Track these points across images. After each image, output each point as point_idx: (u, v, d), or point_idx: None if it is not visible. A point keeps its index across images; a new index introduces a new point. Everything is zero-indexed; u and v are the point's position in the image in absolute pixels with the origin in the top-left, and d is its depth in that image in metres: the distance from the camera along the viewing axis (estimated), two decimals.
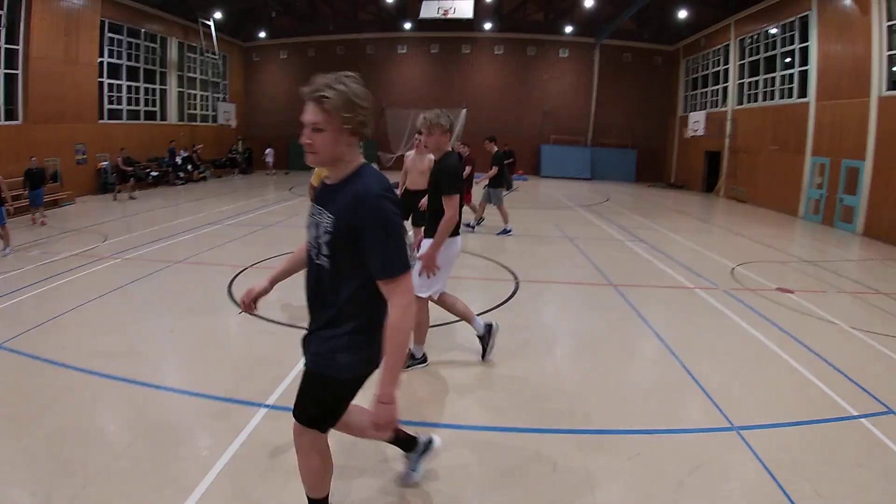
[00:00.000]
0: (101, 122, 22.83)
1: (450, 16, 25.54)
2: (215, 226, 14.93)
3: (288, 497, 3.48)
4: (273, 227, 15.17)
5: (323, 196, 2.67)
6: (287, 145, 32.00)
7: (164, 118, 26.97)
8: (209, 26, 27.11)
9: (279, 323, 6.99)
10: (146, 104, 25.87)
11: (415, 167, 8.65)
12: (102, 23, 22.49)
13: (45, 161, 19.50)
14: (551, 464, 4.02)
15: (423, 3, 25.71)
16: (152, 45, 25.75)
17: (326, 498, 2.99)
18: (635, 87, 31.54)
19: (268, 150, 31.08)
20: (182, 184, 25.16)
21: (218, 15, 26.77)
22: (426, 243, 5.19)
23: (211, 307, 7.86)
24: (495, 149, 13.94)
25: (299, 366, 4.39)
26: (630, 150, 32.02)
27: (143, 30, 24.92)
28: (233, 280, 9.12)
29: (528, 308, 8.20)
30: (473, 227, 14.26)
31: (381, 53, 32.28)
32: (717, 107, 26.29)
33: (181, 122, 27.98)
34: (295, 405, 2.78)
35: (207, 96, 30.33)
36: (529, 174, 30.97)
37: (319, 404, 2.72)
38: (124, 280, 9.13)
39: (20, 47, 19.29)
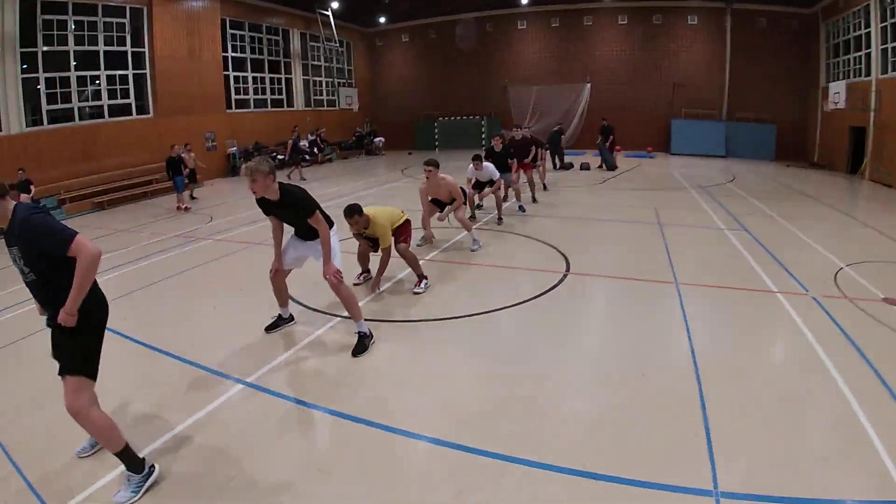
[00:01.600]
0: (228, 111, 25.03)
1: None
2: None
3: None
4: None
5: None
6: (412, 126, 33.11)
7: (290, 105, 28.94)
8: (327, 16, 28.48)
9: (310, 308, 7.58)
10: (272, 93, 27.96)
11: (431, 189, 9.99)
12: (224, 21, 24.71)
13: (173, 149, 21.80)
14: None
15: None
16: (275, 37, 27.72)
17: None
18: (772, 56, 28.20)
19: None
20: (307, 166, 26.72)
21: (335, 5, 28.01)
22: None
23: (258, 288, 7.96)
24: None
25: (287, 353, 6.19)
26: (769, 126, 28.31)
27: (264, 24, 26.88)
28: None
29: (556, 307, 7.52)
30: (524, 209, 14.11)
31: (500, 30, 32.04)
32: (859, 76, 22.66)
33: (307, 108, 29.82)
34: None
35: (332, 82, 31.97)
36: (659, 151, 29.54)
37: None
38: (202, 260, 10.59)
39: (146, 49, 21.75)
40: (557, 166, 22.36)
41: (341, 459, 4.22)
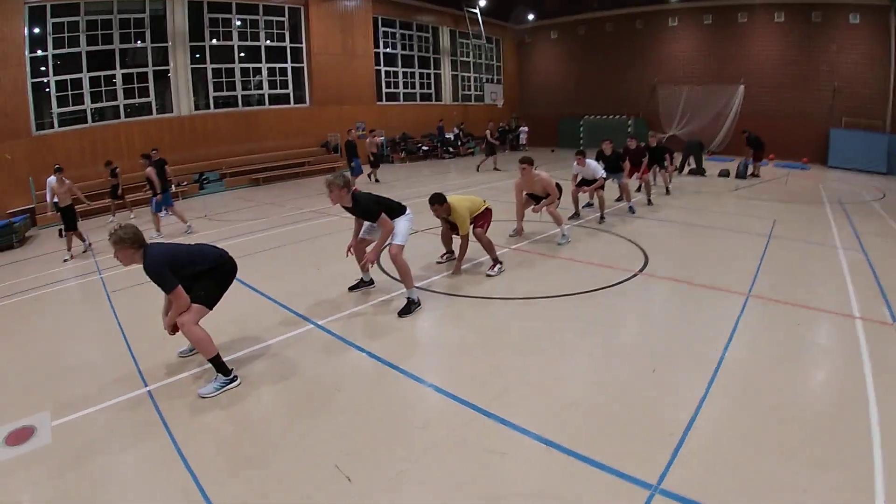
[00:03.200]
0: (378, 103, 26.74)
1: None
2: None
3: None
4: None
5: None
6: (557, 123, 33.39)
7: (438, 99, 30.38)
8: (475, 13, 29.35)
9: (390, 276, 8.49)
10: (421, 87, 29.47)
11: (526, 185, 10.28)
12: (376, 19, 26.42)
13: (328, 136, 24.00)
14: None
15: None
16: (425, 34, 29.18)
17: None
18: None
19: (522, 128, 32.88)
20: (450, 157, 27.94)
21: (483, 2, 28.97)
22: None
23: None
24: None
25: (356, 307, 7.37)
26: None
27: (414, 22, 28.38)
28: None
29: (605, 301, 7.41)
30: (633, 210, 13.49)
31: (651, 28, 31.09)
32: None
33: (454, 103, 31.12)
34: None
35: (480, 78, 32.67)
36: (815, 163, 27.34)
37: None
38: (325, 231, 12.19)
39: (303, 45, 23.87)
40: (685, 171, 21.79)
41: (354, 383, 5.27)
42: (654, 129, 28.43)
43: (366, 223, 7.56)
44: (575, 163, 12.12)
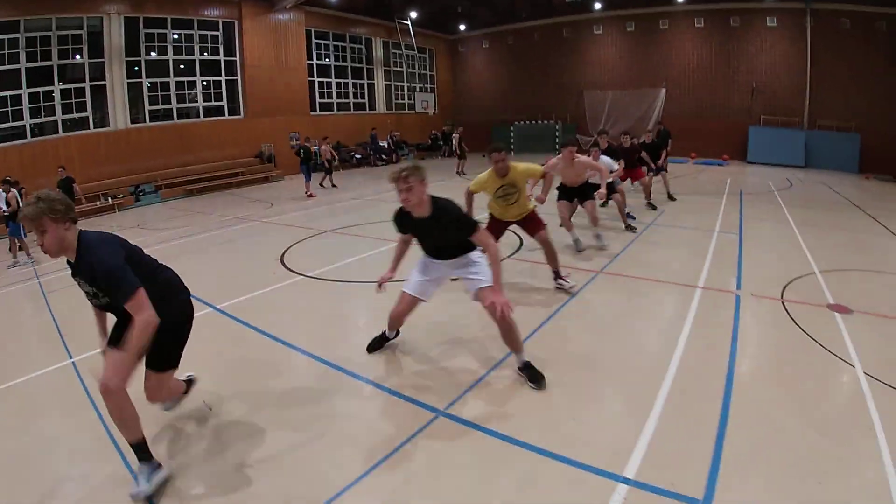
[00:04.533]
0: (312, 113, 27.98)
1: None
2: (355, 201, 17.71)
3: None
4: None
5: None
6: (489, 129, 34.81)
7: (372, 108, 31.71)
8: (407, 25, 30.82)
9: None
10: (355, 97, 30.75)
11: (569, 169, 9.29)
12: (309, 31, 27.61)
13: (262, 146, 25.21)
14: None
15: None
16: (358, 45, 30.47)
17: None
18: (857, 59, 27.40)
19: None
20: (384, 164, 29.15)
21: (414, 14, 30.44)
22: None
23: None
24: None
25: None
26: (852, 135, 26.23)
27: (347, 34, 29.65)
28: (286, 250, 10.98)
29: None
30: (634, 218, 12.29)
31: (576, 36, 32.17)
32: None
33: (388, 112, 32.47)
34: None
35: (413, 87, 34.06)
36: (736, 159, 27.84)
37: None
38: (252, 235, 13.22)
39: (237, 58, 24.97)
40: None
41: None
42: (581, 132, 30.36)
43: (421, 259, 5.34)
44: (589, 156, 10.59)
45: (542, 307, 7.05)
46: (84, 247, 3.46)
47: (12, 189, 12.82)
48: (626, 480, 3.64)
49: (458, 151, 25.06)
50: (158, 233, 14.58)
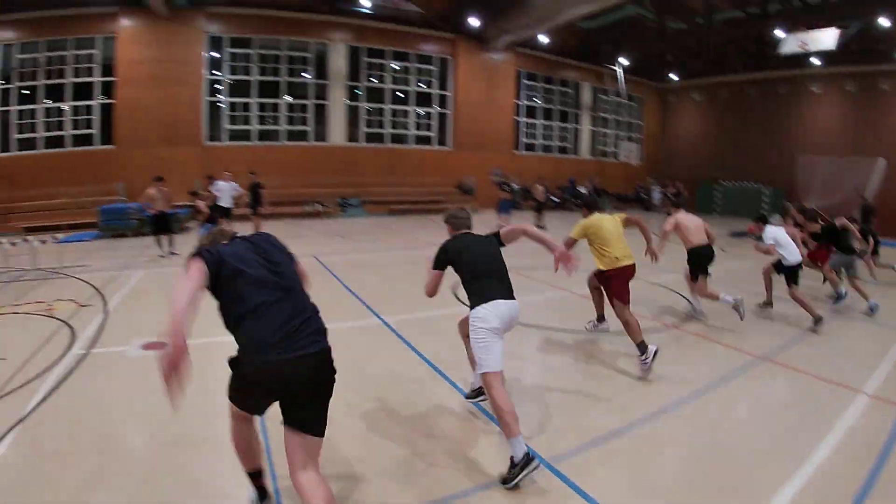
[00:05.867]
0: (515, 152, 27.86)
1: (808, 48, 22.15)
2: None
3: None
4: None
5: None
6: (695, 187, 31.96)
7: (575, 153, 30.88)
8: (616, 71, 30.04)
9: None
10: (560, 140, 30.35)
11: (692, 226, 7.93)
12: (519, 72, 27.50)
13: (463, 178, 25.49)
14: None
15: (783, 38, 22.71)
16: (566, 89, 30.18)
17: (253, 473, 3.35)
18: None
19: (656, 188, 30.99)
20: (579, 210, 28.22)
21: (624, 61, 29.69)
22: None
23: None
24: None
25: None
26: None
27: (557, 77, 29.52)
28: None
29: None
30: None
31: (792, 93, 28.38)
32: None
33: (591, 158, 31.62)
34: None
35: (620, 135, 32.75)
36: None
37: None
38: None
39: (450, 93, 25.52)
40: None
41: None
42: (791, 198, 26.53)
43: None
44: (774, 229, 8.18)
45: None
46: None
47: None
48: None
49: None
50: (355, 243, 15.15)
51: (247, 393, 3.03)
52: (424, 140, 25.22)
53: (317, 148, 22.05)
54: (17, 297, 8.61)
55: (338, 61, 22.55)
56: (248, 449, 3.26)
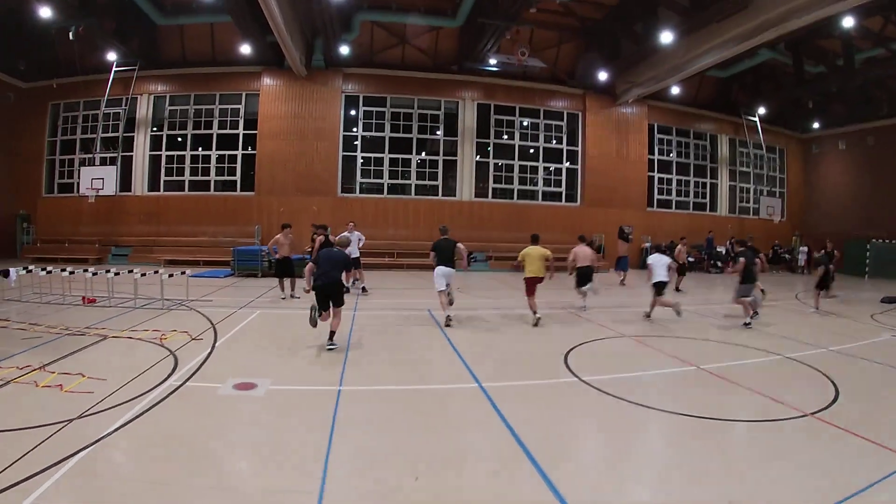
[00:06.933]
0: (649, 209, 26.84)
1: None
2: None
3: None
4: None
5: None
6: (842, 245, 28.01)
7: (713, 209, 29.15)
8: (754, 121, 28.23)
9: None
10: (696, 196, 28.93)
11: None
12: (651, 125, 26.52)
13: (592, 236, 24.73)
14: None
15: None
16: (702, 142, 28.61)
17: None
18: None
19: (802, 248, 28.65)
20: (717, 272, 25.42)
21: (762, 110, 28.33)
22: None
23: None
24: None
25: None
26: None
27: (692, 129, 28.08)
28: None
29: None
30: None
31: None
32: None
33: (730, 215, 29.87)
34: None
35: (762, 190, 30.16)
36: None
37: None
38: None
39: (579, 148, 24.99)
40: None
41: None
42: None
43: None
44: None
45: None
46: None
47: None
48: None
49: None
50: (475, 299, 14.33)
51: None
52: (554, 196, 24.78)
53: (444, 202, 22.15)
54: (137, 324, 8.95)
55: (467, 118, 22.82)
56: None
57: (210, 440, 4.77)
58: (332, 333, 8.03)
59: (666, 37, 18.79)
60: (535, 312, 10.84)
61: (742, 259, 11.35)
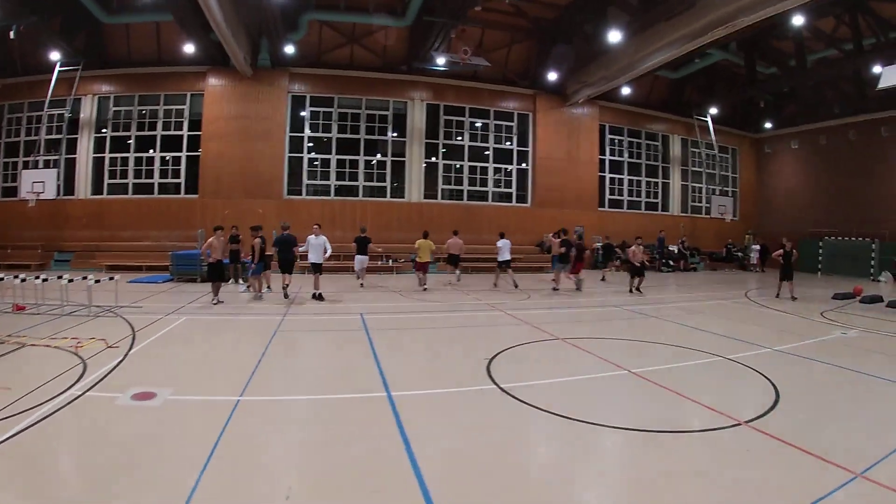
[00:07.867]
0: (600, 209, 26.78)
1: None
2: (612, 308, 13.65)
3: None
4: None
5: None
6: (797, 243, 28.48)
7: (665, 209, 29.17)
8: (706, 121, 28.47)
9: None
10: (647, 196, 28.88)
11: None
12: (603, 126, 26.81)
13: (543, 236, 24.92)
14: None
15: (883, 70, 20.99)
16: (654, 142, 28.75)
17: None
18: None
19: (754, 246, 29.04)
20: (669, 271, 25.94)
21: (714, 110, 28.40)
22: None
23: None
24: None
25: None
26: None
27: (643, 130, 28.33)
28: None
29: None
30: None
31: None
32: None
33: (682, 214, 29.92)
34: None
35: (714, 189, 30.45)
36: None
37: None
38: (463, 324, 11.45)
39: (530, 148, 25.13)
40: None
41: None
42: None
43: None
44: None
45: None
46: None
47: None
48: None
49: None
50: (418, 302, 14.14)
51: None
52: (505, 197, 24.90)
53: (393, 204, 22.13)
54: (57, 332, 8.72)
55: (416, 119, 22.82)
56: None
57: (97, 454, 4.55)
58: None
59: (615, 36, 19.01)
60: (422, 283, 16.32)
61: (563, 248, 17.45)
